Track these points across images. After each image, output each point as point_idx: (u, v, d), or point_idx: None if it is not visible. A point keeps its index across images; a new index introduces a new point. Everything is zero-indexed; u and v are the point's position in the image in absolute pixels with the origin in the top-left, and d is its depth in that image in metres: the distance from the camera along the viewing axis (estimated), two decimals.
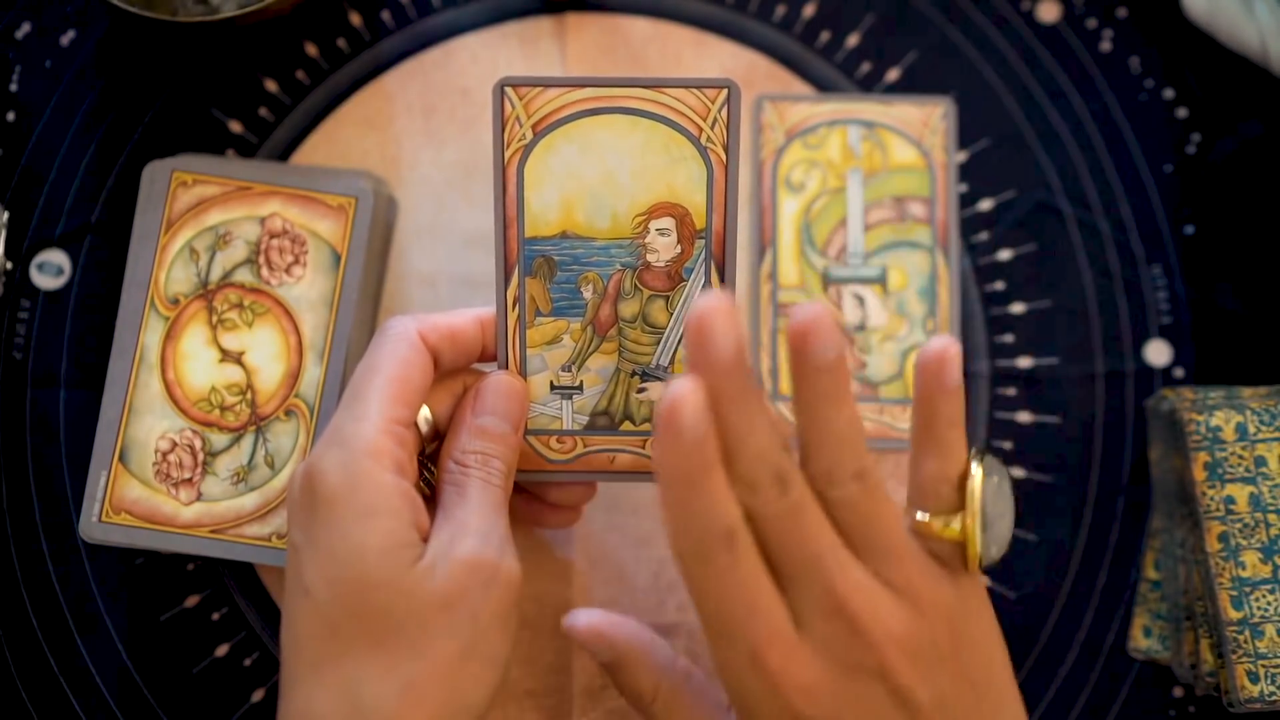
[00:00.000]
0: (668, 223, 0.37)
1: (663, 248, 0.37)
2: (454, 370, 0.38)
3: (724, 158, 0.37)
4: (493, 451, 0.36)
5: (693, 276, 0.38)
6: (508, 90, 0.37)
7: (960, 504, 0.33)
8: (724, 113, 0.36)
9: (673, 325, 0.38)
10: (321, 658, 0.33)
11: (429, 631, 0.33)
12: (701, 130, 0.37)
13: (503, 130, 0.37)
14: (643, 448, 0.39)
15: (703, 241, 0.37)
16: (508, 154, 0.37)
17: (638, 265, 0.38)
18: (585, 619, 0.38)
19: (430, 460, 0.39)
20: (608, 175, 0.37)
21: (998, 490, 0.34)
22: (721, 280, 0.38)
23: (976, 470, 0.33)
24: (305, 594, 0.33)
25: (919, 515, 0.34)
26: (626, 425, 0.39)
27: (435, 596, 0.33)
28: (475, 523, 0.35)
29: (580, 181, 0.37)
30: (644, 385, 0.38)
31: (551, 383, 0.38)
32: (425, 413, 0.37)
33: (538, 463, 0.39)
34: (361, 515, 0.33)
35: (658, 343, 0.38)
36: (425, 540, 0.34)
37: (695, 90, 0.36)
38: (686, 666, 0.38)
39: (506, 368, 0.38)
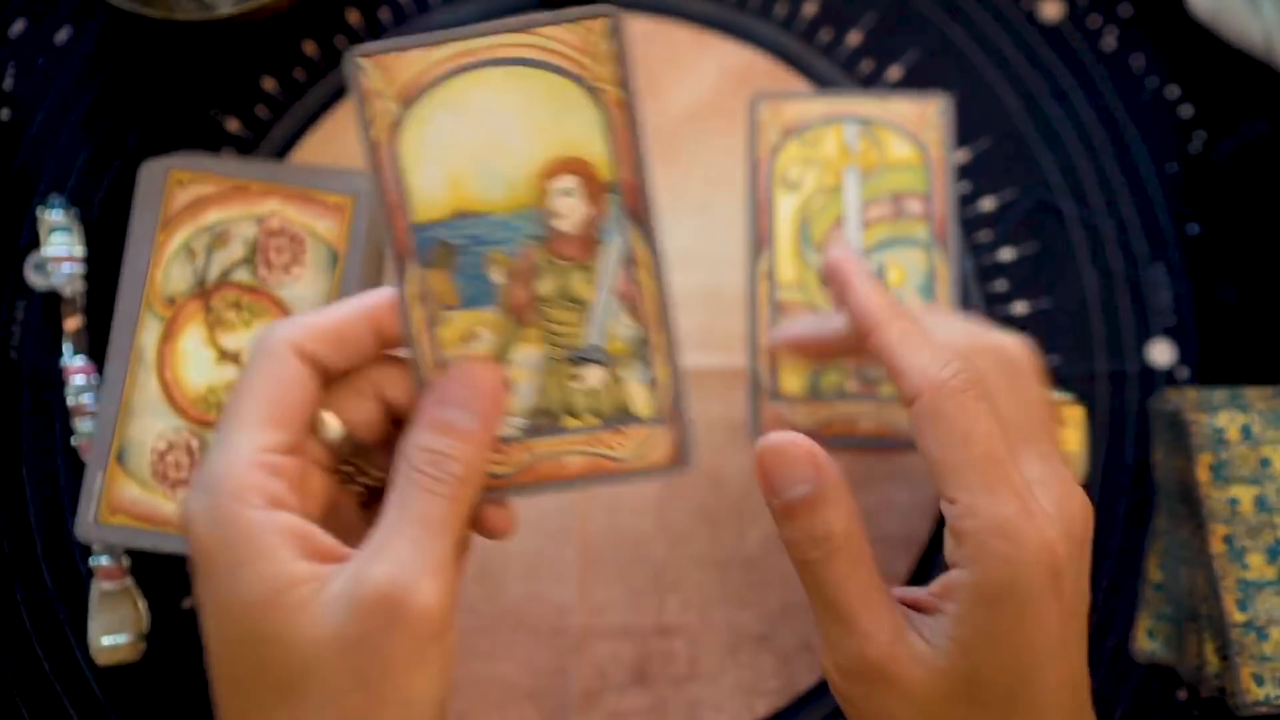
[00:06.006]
0: (570, 181, 0.32)
1: (569, 210, 0.33)
2: (362, 368, 0.34)
3: (621, 95, 0.32)
4: (451, 451, 0.31)
5: (611, 238, 0.33)
6: (360, 61, 0.31)
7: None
8: (610, 45, 0.32)
9: (600, 298, 0.33)
10: (233, 716, 0.31)
11: (332, 680, 0.29)
12: (586, 69, 0.32)
13: (364, 107, 0.32)
14: (594, 447, 0.34)
15: (614, 195, 0.32)
16: (373, 133, 0.32)
17: (546, 235, 0.33)
18: (780, 437, 0.33)
19: (368, 462, 0.35)
20: (493, 139, 0.32)
21: None
22: (646, 239, 0.33)
23: None
24: (209, 653, 0.30)
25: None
26: (570, 422, 0.33)
27: (331, 641, 0.29)
28: (396, 545, 0.30)
29: (464, 151, 0.32)
30: (578, 372, 0.33)
31: None
32: (333, 423, 0.33)
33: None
34: (235, 566, 0.30)
35: (586, 320, 0.33)
36: (338, 560, 0.30)
37: (571, 25, 0.32)
38: None
39: (420, 378, 0.33)
